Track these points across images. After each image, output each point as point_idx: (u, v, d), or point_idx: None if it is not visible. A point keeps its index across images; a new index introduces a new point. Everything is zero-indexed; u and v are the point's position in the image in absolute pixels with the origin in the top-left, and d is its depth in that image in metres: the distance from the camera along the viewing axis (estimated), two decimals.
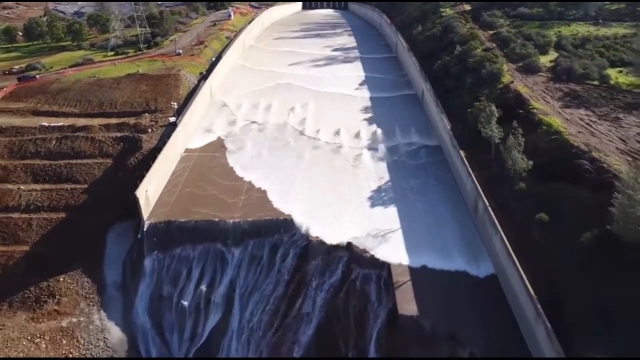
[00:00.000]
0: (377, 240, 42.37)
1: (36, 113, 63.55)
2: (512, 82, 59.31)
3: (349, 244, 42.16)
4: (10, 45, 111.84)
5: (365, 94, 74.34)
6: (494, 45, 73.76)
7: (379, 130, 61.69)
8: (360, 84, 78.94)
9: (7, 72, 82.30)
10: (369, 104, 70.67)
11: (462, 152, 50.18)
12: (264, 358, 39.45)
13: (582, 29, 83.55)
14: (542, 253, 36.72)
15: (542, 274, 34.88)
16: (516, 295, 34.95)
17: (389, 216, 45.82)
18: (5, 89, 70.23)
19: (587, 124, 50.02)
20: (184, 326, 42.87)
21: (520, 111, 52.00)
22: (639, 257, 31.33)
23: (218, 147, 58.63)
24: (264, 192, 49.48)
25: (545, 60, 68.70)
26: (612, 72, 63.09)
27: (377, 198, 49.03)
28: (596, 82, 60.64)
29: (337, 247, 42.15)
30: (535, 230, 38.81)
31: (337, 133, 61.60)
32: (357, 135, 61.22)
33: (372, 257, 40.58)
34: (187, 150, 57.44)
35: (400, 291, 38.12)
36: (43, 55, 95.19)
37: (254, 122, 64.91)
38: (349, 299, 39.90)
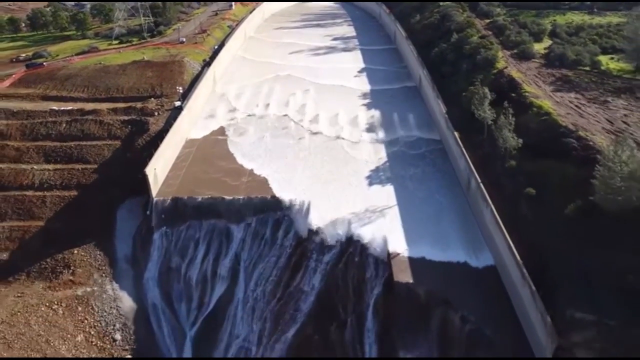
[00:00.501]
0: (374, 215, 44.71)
1: (45, 98, 65.55)
2: (506, 67, 61.33)
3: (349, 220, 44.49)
4: (15, 35, 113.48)
5: (365, 85, 75.71)
6: (490, 33, 75.65)
7: (378, 120, 63.68)
8: (360, 73, 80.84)
9: (14, 59, 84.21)
10: (368, 95, 71.90)
11: (456, 134, 52.31)
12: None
13: (577, 18, 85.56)
14: (530, 224, 39.04)
15: (528, 243, 37.17)
16: (504, 261, 37.29)
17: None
18: (14, 76, 72.18)
19: (577, 106, 52.19)
20: (191, 296, 45.25)
21: (513, 95, 54.06)
22: (617, 224, 33.67)
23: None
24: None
25: (540, 47, 70.72)
26: (603, 59, 65.26)
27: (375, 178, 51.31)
28: (587, 68, 62.79)
29: (336, 221, 44.31)
30: (523, 203, 41.09)
31: (337, 120, 63.55)
32: (356, 124, 63.12)
33: (369, 229, 42.81)
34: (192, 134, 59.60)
35: (395, 261, 40.49)
36: (48, 44, 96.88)
37: (256, 105, 67.09)
38: (347, 270, 42.21)
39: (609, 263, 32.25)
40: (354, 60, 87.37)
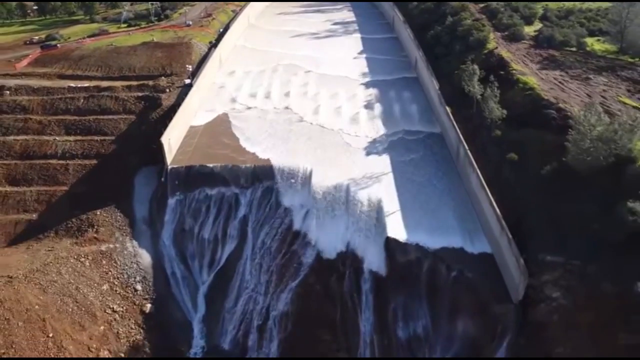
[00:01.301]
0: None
1: (62, 77, 69.32)
2: (496, 48, 65.11)
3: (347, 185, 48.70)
4: (24, 20, 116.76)
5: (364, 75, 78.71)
6: (483, 16, 79.22)
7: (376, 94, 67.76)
8: (359, 54, 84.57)
9: (27, 42, 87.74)
10: (369, 85, 75.18)
11: (447, 108, 56.30)
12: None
13: (568, 2, 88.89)
14: (510, 185, 43.28)
15: (509, 200, 41.49)
16: (486, 216, 41.58)
17: None
18: (30, 56, 75.88)
19: (560, 82, 56.11)
20: (204, 254, 49.63)
21: (502, 72, 57.90)
22: (585, 181, 37.88)
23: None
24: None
25: (530, 30, 74.40)
26: (590, 40, 69.06)
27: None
28: (574, 49, 66.60)
29: (337, 187, 48.47)
30: (506, 167, 45.26)
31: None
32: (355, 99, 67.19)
33: (367, 191, 47.06)
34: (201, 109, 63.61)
35: (389, 219, 44.78)
36: (58, 27, 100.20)
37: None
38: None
39: (576, 214, 36.50)
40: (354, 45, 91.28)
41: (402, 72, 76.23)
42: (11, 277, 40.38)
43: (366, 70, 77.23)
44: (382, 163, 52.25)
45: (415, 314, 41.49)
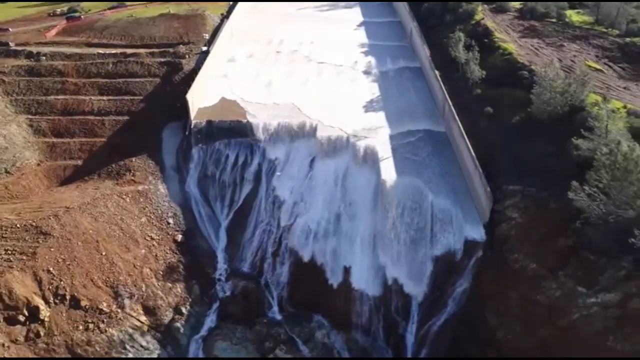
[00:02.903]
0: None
1: (89, 45, 76.24)
2: (483, 19, 72.08)
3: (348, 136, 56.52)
4: None
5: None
6: None
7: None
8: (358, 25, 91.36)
9: (51, 14, 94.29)
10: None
11: (437, 72, 63.67)
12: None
13: None
14: (485, 133, 51.14)
15: (483, 145, 49.29)
16: (463, 157, 49.62)
17: None
18: (57, 26, 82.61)
19: (536, 48, 63.39)
20: (224, 195, 57.77)
21: (486, 40, 65.17)
22: (545, 127, 45.72)
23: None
24: None
25: (517, 3, 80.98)
26: (570, 12, 75.75)
27: None
28: (554, 20, 73.45)
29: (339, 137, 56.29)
30: (483, 119, 53.08)
31: None
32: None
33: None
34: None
35: (383, 163, 52.73)
36: (78, 0, 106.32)
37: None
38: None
39: (536, 153, 44.49)
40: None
41: (399, 40, 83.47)
42: (68, 208, 48.65)
43: (365, 39, 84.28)
44: (378, 117, 60.09)
45: None
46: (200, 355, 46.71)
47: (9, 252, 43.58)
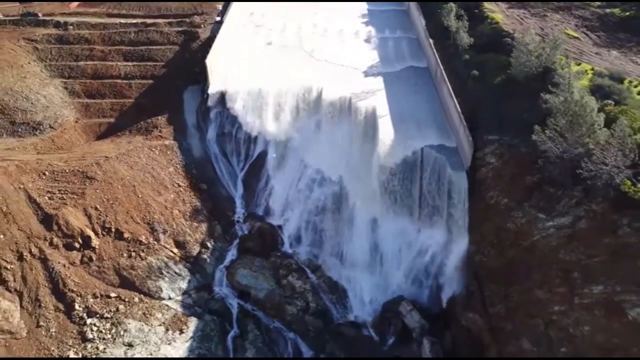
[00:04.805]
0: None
1: (110, 15, 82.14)
2: None
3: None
4: None
5: None
6: None
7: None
8: None
9: None
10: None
11: (431, 40, 70.15)
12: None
13: None
14: (471, 94, 58.08)
15: (469, 104, 56.40)
16: (451, 114, 56.83)
17: None
18: None
19: (521, 18, 69.76)
20: (240, 151, 65.26)
21: (476, 10, 71.41)
22: (523, 86, 52.62)
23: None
24: None
25: None
26: None
27: None
28: None
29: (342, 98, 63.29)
30: (470, 82, 59.90)
31: None
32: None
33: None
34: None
35: (381, 121, 59.92)
36: None
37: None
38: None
39: (513, 108, 51.56)
40: None
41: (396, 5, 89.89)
42: (107, 157, 56.10)
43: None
44: (376, 81, 67.08)
45: None
46: (224, 281, 54.83)
47: (62, 192, 51.32)
